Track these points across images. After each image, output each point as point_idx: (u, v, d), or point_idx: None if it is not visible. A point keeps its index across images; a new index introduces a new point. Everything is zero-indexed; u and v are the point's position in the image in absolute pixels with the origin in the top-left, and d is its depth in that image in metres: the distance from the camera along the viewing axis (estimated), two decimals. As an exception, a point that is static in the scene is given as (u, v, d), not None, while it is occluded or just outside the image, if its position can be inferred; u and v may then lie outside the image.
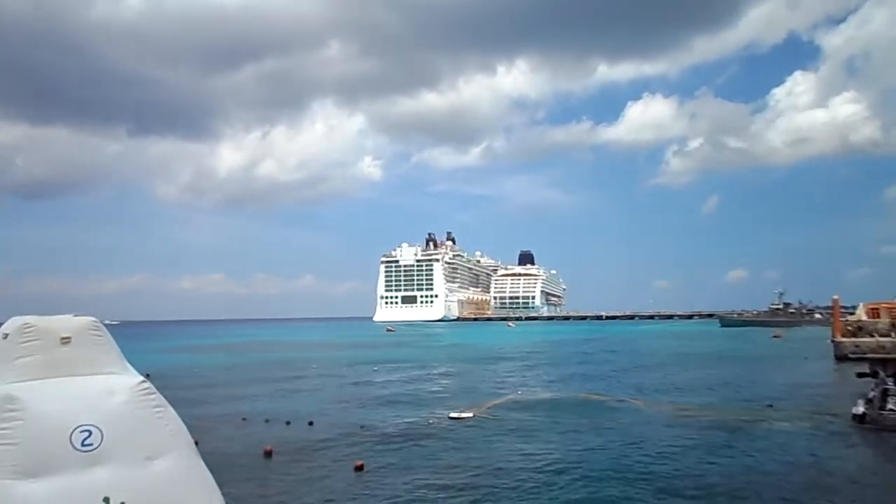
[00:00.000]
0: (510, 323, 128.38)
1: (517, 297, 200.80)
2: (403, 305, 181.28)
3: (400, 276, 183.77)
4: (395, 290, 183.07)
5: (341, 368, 32.74)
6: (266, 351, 51.11)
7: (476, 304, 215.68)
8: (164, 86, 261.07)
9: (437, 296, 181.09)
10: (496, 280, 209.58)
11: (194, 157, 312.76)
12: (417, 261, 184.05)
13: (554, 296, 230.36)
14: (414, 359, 39.52)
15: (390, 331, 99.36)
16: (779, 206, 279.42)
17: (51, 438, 2.06)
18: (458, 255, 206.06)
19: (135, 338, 65.69)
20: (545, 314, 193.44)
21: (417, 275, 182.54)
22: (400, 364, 35.37)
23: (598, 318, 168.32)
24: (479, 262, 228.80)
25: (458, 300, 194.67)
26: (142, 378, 2.28)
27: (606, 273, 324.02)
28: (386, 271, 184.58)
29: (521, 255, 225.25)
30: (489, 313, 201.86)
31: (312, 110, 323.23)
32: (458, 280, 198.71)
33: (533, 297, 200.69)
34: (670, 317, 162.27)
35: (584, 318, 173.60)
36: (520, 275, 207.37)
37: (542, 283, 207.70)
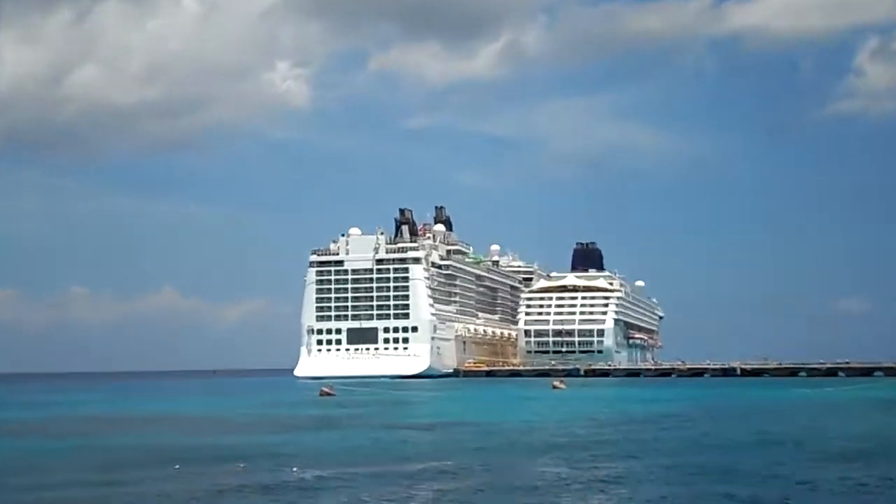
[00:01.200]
0: (557, 381, 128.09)
1: (570, 332, 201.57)
2: (352, 347, 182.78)
3: (345, 290, 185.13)
4: (337, 319, 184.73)
5: (230, 471, 32.93)
6: (87, 433, 52.44)
7: (491, 344, 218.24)
8: None
9: (415, 328, 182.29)
10: (529, 299, 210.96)
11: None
12: (379, 261, 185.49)
13: (641, 330, 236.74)
14: (370, 453, 39.74)
15: (328, 394, 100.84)
16: None
17: None
18: (458, 252, 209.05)
19: None
20: (624, 364, 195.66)
21: (379, 289, 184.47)
22: (343, 462, 35.59)
23: (729, 372, 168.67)
24: (496, 263, 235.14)
25: (457, 336, 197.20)
26: None
27: (742, 289, 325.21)
28: (319, 282, 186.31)
29: (576, 253, 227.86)
30: (516, 362, 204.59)
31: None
32: (458, 298, 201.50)
33: (601, 333, 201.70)
34: (870, 371, 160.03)
35: (700, 372, 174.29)
36: (575, 290, 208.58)
37: (618, 305, 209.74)
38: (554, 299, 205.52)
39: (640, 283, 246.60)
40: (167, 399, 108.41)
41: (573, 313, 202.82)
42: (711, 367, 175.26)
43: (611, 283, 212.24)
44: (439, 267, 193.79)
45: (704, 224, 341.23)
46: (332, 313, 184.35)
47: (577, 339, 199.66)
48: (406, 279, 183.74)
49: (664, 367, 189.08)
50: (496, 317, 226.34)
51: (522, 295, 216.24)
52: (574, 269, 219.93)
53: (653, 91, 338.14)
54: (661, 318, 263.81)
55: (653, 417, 63.64)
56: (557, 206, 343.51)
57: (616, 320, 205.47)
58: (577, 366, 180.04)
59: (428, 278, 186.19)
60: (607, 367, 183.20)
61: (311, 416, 67.84)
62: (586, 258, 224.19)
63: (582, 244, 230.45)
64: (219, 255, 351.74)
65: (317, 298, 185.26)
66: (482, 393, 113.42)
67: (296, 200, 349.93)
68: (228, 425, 59.33)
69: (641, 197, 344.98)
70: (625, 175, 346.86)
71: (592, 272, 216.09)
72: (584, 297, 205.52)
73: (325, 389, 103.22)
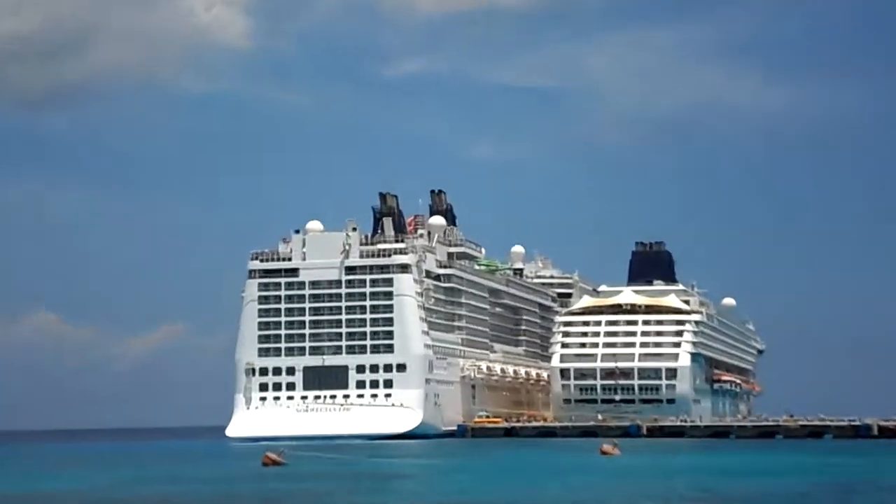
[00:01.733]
0: (608, 445, 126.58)
1: (626, 373, 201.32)
2: (310, 395, 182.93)
3: (300, 311, 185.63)
4: (289, 353, 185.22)
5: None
6: None
7: (513, 389, 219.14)
8: None
9: (403, 366, 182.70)
10: (568, 325, 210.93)
11: None
12: (350, 270, 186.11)
13: (731, 369, 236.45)
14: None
15: (275, 463, 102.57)
16: None
17: None
18: (465, 256, 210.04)
19: None
20: (706, 419, 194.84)
21: (351, 309, 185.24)
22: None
23: (861, 431, 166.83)
24: (519, 273, 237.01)
25: (464, 378, 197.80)
26: None
27: (879, 312, 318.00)
28: (263, 299, 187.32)
29: (636, 258, 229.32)
30: (548, 416, 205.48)
31: None
32: (465, 322, 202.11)
33: (671, 374, 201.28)
34: None
35: (819, 431, 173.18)
36: (634, 310, 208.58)
37: (698, 333, 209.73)
38: (603, 325, 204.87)
39: (729, 301, 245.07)
40: (33, 473, 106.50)
41: (631, 345, 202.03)
42: (835, 423, 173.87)
43: (686, 302, 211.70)
44: (437, 277, 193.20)
45: (826, 219, 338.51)
46: (282, 345, 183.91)
47: (636, 382, 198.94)
48: (389, 295, 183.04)
49: (765, 423, 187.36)
50: (520, 349, 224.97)
51: (558, 318, 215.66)
52: (633, 280, 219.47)
53: (754, 19, 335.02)
54: (760, 352, 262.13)
55: (755, 500, 62.50)
56: (610, 191, 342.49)
57: (694, 356, 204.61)
58: (638, 421, 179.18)
59: (421, 294, 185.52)
60: (682, 424, 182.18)
61: (247, 497, 67.63)
62: (651, 265, 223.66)
63: (644, 245, 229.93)
64: (117, 264, 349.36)
65: (259, 324, 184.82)
66: (499, 461, 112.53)
67: (228, 182, 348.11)
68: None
69: (734, 178, 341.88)
70: (710, 146, 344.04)
71: (659, 285, 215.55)
72: (646, 323, 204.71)
73: (271, 456, 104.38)
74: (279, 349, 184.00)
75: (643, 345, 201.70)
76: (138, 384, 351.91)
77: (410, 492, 72.11)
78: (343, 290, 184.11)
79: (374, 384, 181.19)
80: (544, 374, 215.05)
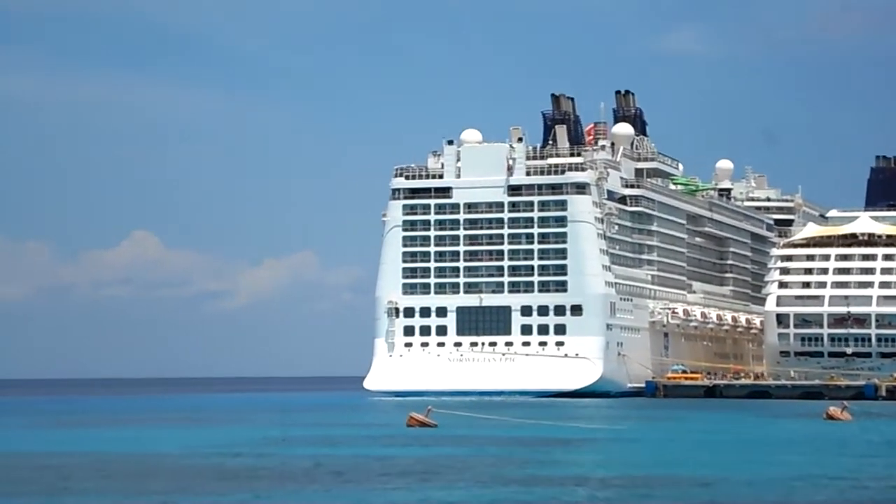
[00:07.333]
0: (836, 408, 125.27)
1: (861, 320, 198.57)
2: (465, 341, 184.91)
3: (454, 240, 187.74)
4: (440, 291, 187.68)
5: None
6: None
7: (716, 339, 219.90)
8: None
9: (578, 308, 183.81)
10: (787, 259, 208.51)
11: None
12: (514, 189, 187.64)
13: None
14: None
15: (422, 424, 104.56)
16: None
17: None
18: (657, 173, 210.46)
19: None
20: None
21: (515, 238, 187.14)
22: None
23: None
24: (725, 194, 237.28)
25: (654, 324, 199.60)
26: None
27: None
28: (409, 225, 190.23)
29: (877, 176, 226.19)
30: (761, 371, 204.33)
31: None
32: (656, 255, 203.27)
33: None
34: None
35: None
36: (872, 242, 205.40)
37: None
38: (833, 259, 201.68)
39: None
40: (121, 429, 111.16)
41: (869, 285, 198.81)
42: None
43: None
44: (623, 200, 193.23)
45: None
46: (431, 281, 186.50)
47: (873, 331, 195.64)
48: (562, 221, 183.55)
49: None
50: (725, 290, 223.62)
51: (775, 251, 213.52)
52: (872, 204, 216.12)
53: None
54: None
55: None
56: (845, 93, 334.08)
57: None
58: (875, 380, 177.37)
59: (601, 219, 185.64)
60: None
61: (387, 463, 68.64)
62: (895, 186, 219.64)
63: (887, 160, 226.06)
64: (229, 179, 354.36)
65: (404, 255, 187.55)
66: (697, 428, 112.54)
67: (369, 84, 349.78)
68: (228, 474, 61.27)
69: None
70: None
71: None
72: (889, 257, 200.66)
73: (417, 417, 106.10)
74: (427, 286, 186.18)
75: (884, 284, 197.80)
76: (257, 325, 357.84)
77: (586, 464, 72.02)
78: (506, 215, 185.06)
79: (543, 329, 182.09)
80: (756, 321, 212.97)
